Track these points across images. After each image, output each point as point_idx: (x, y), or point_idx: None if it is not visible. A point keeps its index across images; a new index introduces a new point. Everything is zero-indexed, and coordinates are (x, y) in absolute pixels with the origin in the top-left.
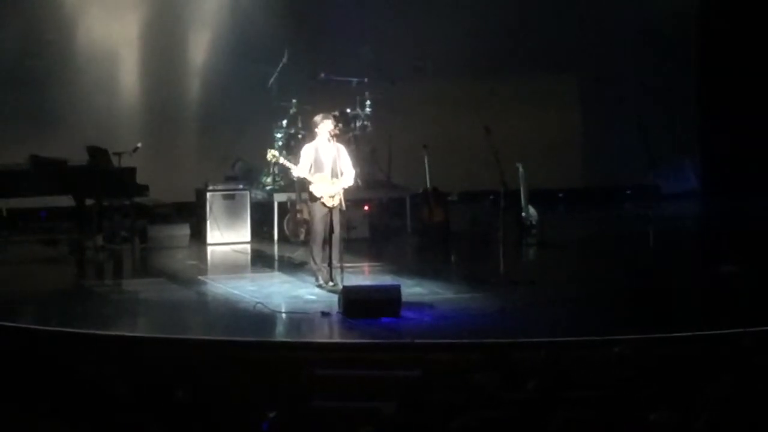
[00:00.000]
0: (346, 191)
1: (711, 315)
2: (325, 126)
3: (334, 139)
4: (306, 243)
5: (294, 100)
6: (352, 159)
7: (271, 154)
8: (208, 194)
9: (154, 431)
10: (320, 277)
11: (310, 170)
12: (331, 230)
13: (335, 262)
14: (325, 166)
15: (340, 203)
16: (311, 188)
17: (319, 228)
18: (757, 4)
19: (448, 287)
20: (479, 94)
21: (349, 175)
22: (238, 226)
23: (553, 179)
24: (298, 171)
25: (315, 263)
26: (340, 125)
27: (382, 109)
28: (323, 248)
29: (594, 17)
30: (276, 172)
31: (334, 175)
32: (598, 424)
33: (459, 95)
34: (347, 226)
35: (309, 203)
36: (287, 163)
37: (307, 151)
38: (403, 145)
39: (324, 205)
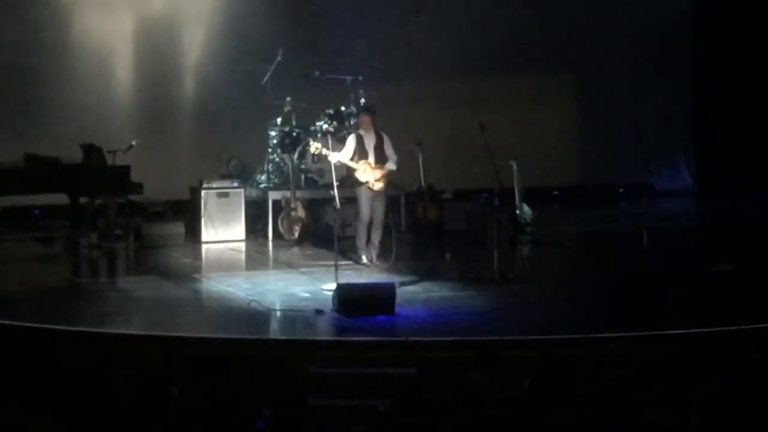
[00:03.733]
0: (386, 177)
1: (705, 312)
2: (362, 119)
3: (373, 127)
4: (300, 241)
5: (288, 98)
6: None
7: (314, 146)
8: (203, 192)
9: (149, 428)
10: (364, 257)
11: (354, 157)
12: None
13: (376, 243)
14: (369, 153)
15: (383, 188)
16: (356, 174)
17: (364, 211)
18: (751, 3)
19: (442, 285)
20: (474, 92)
21: (392, 161)
22: (232, 224)
23: (547, 177)
24: (340, 157)
25: (360, 244)
26: (368, 117)
27: (376, 107)
28: (367, 230)
29: (589, 15)
30: (270, 169)
31: (378, 161)
32: (594, 422)
33: (453, 93)
34: (344, 223)
35: (355, 188)
36: (330, 153)
37: (351, 139)
38: (397, 143)
39: (370, 189)
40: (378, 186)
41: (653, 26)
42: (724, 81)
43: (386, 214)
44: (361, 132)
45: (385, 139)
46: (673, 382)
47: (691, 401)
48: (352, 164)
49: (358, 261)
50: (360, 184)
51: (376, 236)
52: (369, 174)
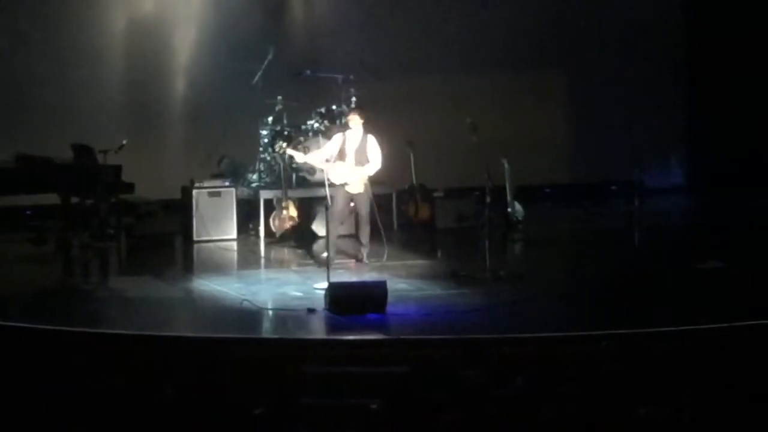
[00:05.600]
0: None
1: (697, 310)
2: (351, 119)
3: (362, 128)
4: (291, 240)
5: (279, 97)
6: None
7: (279, 145)
8: (194, 191)
9: (141, 429)
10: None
11: (330, 159)
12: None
13: (364, 242)
14: (348, 155)
15: (365, 188)
16: (329, 176)
17: (337, 211)
18: (743, 1)
19: (434, 283)
20: (465, 90)
21: (373, 163)
22: (224, 223)
23: (539, 175)
24: (309, 158)
25: (330, 247)
26: (362, 115)
27: (367, 106)
28: (339, 231)
29: (581, 13)
30: (262, 168)
31: (359, 163)
32: (587, 420)
33: (445, 91)
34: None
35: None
36: (295, 153)
37: (333, 139)
38: (388, 142)
39: (347, 191)
40: (354, 189)
41: (645, 23)
42: (716, 78)
43: (371, 212)
44: (346, 133)
45: (370, 140)
46: (666, 379)
47: (684, 398)
48: (323, 166)
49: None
50: (334, 185)
51: (364, 236)
52: (342, 175)
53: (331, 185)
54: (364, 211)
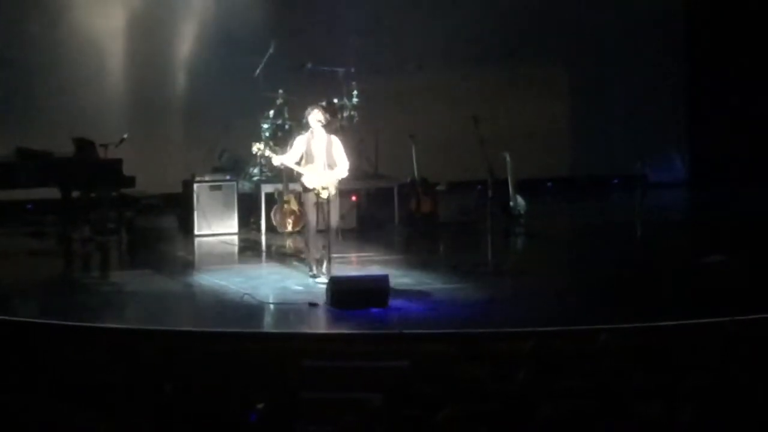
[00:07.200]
0: (339, 182)
1: (697, 304)
2: (313, 116)
3: (325, 129)
4: (293, 234)
5: (281, 91)
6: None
7: (256, 147)
8: (195, 185)
9: (141, 423)
10: (314, 267)
11: (300, 161)
12: (327, 222)
13: (325, 252)
14: (317, 157)
15: (334, 194)
16: (302, 179)
17: (311, 218)
18: None
19: (436, 277)
20: (467, 84)
21: (342, 167)
22: (225, 218)
23: (540, 169)
24: (285, 160)
25: (309, 253)
26: (327, 115)
27: (369, 99)
28: (316, 238)
29: (582, 6)
30: (263, 162)
31: (328, 166)
32: (586, 415)
33: (446, 85)
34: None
35: (302, 193)
36: (273, 155)
37: (298, 141)
38: (390, 135)
39: (316, 195)
40: (324, 194)
41: (646, 17)
42: (718, 72)
43: (334, 219)
44: (310, 134)
45: (335, 142)
46: (666, 373)
47: (683, 394)
48: (298, 168)
49: (308, 271)
50: (306, 190)
51: (329, 244)
52: (315, 180)
53: (304, 190)
54: (333, 217)
